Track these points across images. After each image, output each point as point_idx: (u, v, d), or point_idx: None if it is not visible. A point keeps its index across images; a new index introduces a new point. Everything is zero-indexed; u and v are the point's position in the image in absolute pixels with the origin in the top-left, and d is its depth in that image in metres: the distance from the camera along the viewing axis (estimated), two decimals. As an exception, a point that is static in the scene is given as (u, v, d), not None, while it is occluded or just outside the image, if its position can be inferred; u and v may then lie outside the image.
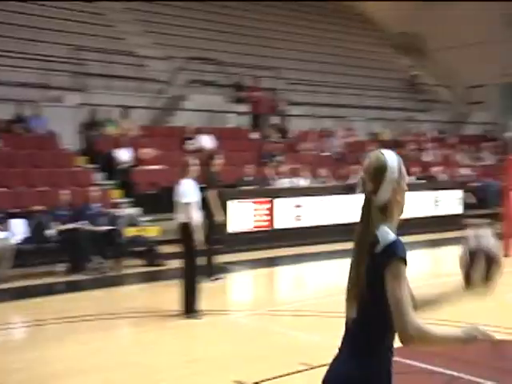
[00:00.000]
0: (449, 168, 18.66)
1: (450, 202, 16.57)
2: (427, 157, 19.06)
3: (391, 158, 2.49)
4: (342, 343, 2.50)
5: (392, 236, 2.38)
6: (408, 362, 5.74)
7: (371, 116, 20.58)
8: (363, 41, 25.60)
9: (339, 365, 2.45)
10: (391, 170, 2.46)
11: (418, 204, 15.75)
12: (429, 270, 12.32)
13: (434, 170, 17.90)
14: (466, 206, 16.85)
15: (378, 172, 2.46)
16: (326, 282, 10.55)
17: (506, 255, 11.48)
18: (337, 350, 2.51)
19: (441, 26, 25.41)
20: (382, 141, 18.46)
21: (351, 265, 2.46)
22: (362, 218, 2.51)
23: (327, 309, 8.13)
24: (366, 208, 2.51)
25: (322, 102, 20.35)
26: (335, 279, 10.64)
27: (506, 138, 21.40)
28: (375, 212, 2.47)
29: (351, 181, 15.28)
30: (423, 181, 16.88)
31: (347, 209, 14.40)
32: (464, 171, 18.98)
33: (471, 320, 7.60)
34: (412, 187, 13.64)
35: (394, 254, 2.33)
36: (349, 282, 2.46)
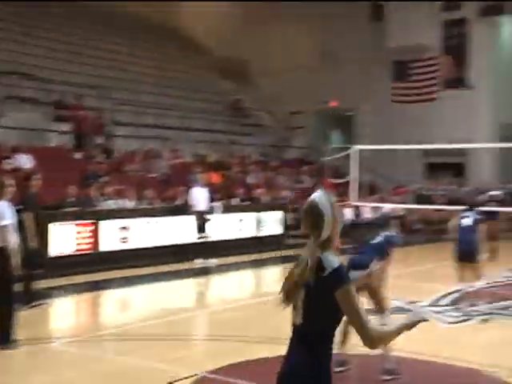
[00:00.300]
0: (271, 190, 19.41)
1: (272, 222, 17.22)
2: (251, 179, 19.68)
3: (323, 203, 2.93)
4: (292, 343, 2.95)
5: (337, 262, 2.86)
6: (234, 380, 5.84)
7: (197, 138, 20.87)
8: (189, 63, 25.97)
9: (293, 361, 2.89)
10: (327, 215, 2.91)
11: (242, 225, 16.19)
12: (251, 290, 12.65)
13: (257, 191, 18.52)
14: (287, 226, 17.59)
15: (317, 222, 2.91)
16: (153, 304, 10.44)
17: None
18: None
19: (263, 52, 26.53)
20: (207, 163, 18.77)
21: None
22: (314, 251, 2.91)
23: (153, 332, 8.05)
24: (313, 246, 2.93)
25: (148, 122, 20.29)
26: (163, 302, 10.58)
27: (322, 162, 22.74)
28: (321, 245, 2.92)
29: (178, 202, 15.33)
30: (247, 202, 17.40)
31: (174, 230, 14.40)
32: (285, 193, 19.84)
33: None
34: (236, 209, 13.89)
35: (344, 278, 2.85)
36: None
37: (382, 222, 7.27)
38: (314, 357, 2.86)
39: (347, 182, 13.49)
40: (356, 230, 16.08)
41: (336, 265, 2.84)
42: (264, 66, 26.43)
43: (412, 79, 23.90)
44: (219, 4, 27.50)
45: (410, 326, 2.97)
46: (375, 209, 17.90)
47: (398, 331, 2.94)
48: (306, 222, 2.96)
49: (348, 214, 17.63)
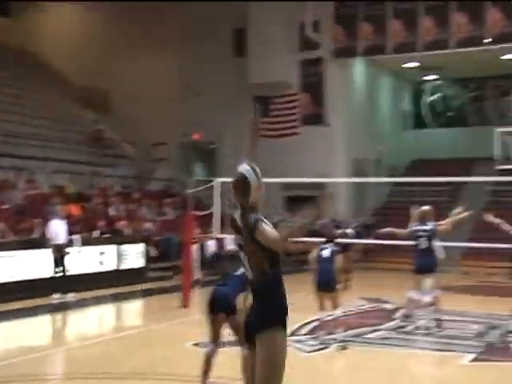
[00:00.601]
0: (133, 222, 19.08)
1: (134, 255, 16.88)
2: (112, 211, 19.24)
3: (250, 173, 3.98)
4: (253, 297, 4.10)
5: (256, 216, 3.98)
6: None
7: (55, 168, 20.11)
8: (47, 91, 25.14)
9: (257, 309, 4.04)
10: (253, 182, 3.97)
11: (103, 258, 15.73)
12: (111, 324, 12.29)
13: (119, 224, 18.13)
14: (149, 259, 17.33)
15: (245, 189, 3.96)
16: (8, 343, 9.82)
17: (184, 306, 12.05)
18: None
19: (124, 82, 26.26)
20: (66, 194, 18.13)
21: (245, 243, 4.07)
22: (243, 215, 3.98)
23: (8, 373, 7.54)
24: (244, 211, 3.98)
25: (1, 151, 19.29)
26: (18, 340, 9.98)
27: (185, 195, 22.71)
28: (248, 209, 3.96)
29: (34, 235, 14.64)
30: (108, 235, 16.96)
31: (29, 265, 13.68)
32: (147, 225, 19.58)
33: (154, 370, 7.74)
34: (96, 241, 13.41)
35: (257, 221, 3.94)
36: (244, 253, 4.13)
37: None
38: (272, 303, 4.05)
39: (210, 214, 13.59)
40: (219, 262, 16.19)
41: (256, 217, 3.99)
42: (125, 96, 26.15)
43: (273, 114, 24.65)
44: (76, 29, 27.06)
45: (306, 226, 3.82)
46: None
47: (298, 230, 3.85)
48: (237, 192, 3.98)
49: (211, 246, 17.72)
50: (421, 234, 9.92)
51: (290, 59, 24.06)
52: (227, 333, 6.68)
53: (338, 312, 9.49)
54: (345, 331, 9.62)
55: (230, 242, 18.02)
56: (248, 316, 4.11)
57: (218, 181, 13.23)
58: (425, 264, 9.81)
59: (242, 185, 3.94)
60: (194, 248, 15.51)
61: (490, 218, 9.92)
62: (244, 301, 6.52)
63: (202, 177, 23.10)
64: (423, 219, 10.01)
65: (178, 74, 25.68)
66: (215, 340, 6.54)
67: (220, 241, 17.51)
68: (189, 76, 25.35)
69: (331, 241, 9.51)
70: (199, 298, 12.40)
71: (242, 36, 24.28)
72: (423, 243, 9.87)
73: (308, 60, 24.11)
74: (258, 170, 3.96)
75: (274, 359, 3.89)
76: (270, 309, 3.99)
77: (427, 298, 9.89)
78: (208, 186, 14.19)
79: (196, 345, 8.66)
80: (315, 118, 24.07)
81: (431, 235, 9.93)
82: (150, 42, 26.11)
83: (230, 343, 7.04)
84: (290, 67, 24.06)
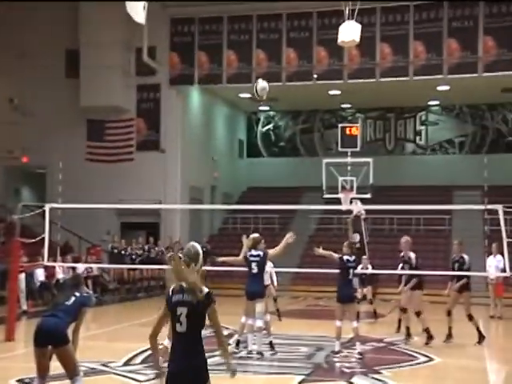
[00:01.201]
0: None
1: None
2: None
3: (198, 248, 4.74)
4: (178, 347, 4.54)
5: (206, 289, 4.54)
6: None
7: None
8: None
9: (187, 361, 4.54)
10: (200, 255, 4.71)
11: None
12: None
13: None
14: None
15: (197, 258, 4.65)
16: None
17: (8, 339, 11.29)
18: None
19: None
20: None
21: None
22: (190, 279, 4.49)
23: None
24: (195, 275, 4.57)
25: None
26: None
27: (12, 221, 21.46)
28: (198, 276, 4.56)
29: None
30: None
31: None
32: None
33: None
34: None
35: (212, 299, 4.55)
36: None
37: (75, 283, 7.06)
38: (201, 352, 4.62)
39: (40, 242, 12.92)
40: (48, 291, 15.42)
41: (207, 290, 4.52)
42: None
43: (108, 139, 24.18)
44: None
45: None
46: (69, 269, 17.42)
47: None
48: (190, 256, 4.63)
49: (40, 274, 16.84)
50: (252, 259, 10.18)
51: (125, 84, 23.78)
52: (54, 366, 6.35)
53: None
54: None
55: (60, 271, 17.30)
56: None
57: (48, 206, 12.64)
58: (255, 289, 10.06)
59: (194, 252, 4.66)
60: (21, 277, 14.68)
61: (320, 250, 10.60)
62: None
63: (30, 202, 21.95)
64: (254, 246, 10.30)
65: (6, 94, 24.34)
66: (41, 374, 6.19)
67: (49, 269, 16.72)
68: (20, 97, 24.12)
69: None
70: (26, 330, 11.71)
71: (75, 57, 23.58)
72: (255, 269, 10.12)
73: (144, 86, 24.01)
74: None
75: None
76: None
77: (259, 323, 10.13)
78: (38, 212, 13.52)
79: (19, 381, 8.13)
80: (151, 143, 23.96)
81: (262, 261, 10.21)
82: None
83: (59, 376, 6.69)
84: (125, 92, 23.77)
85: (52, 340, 6.26)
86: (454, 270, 11.92)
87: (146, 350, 10.17)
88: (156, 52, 23.49)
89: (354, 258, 10.49)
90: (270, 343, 10.35)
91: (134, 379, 8.56)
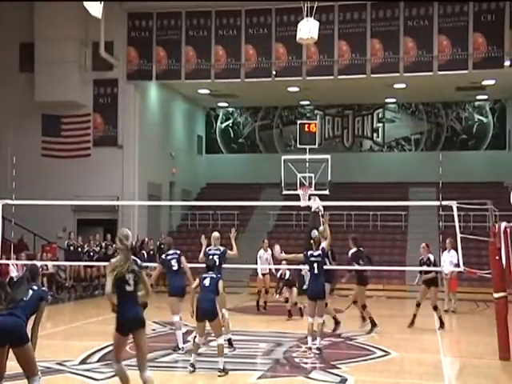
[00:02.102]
0: None
1: None
2: None
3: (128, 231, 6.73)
4: (126, 302, 6.42)
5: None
6: None
7: None
8: None
9: (136, 309, 6.52)
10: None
11: None
12: None
13: None
14: None
15: (128, 239, 6.62)
16: None
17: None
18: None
19: None
20: None
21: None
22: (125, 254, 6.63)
23: None
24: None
25: None
26: None
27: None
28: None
29: None
30: None
31: None
32: None
33: None
34: None
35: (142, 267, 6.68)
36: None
37: (32, 274, 6.90)
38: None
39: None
40: (1, 289, 15.10)
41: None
42: None
43: (64, 135, 23.81)
44: None
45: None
46: (23, 266, 17.09)
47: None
48: (124, 239, 6.54)
49: (-7, 273, 16.48)
50: (212, 255, 10.23)
51: (81, 79, 23.43)
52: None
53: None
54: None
55: (14, 269, 16.95)
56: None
57: (1, 203, 12.37)
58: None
59: (127, 234, 6.71)
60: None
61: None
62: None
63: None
64: (215, 243, 10.45)
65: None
66: (-1, 374, 6.07)
67: (3, 267, 16.39)
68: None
69: (212, 269, 9.25)
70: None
71: (30, 51, 23.11)
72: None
73: (101, 81, 23.70)
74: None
75: None
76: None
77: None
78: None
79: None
80: (108, 139, 23.67)
81: (221, 257, 10.29)
82: None
83: (17, 376, 6.57)
84: (81, 87, 23.42)
85: (11, 340, 6.12)
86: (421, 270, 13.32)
87: (102, 349, 10.06)
88: (113, 47, 23.21)
89: (319, 252, 10.44)
90: (229, 341, 10.34)
91: (91, 378, 8.46)
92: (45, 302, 6.61)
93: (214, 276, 9.09)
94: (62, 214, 22.27)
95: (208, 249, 10.45)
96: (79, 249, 20.62)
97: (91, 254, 20.65)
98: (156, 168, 25.28)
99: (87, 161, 23.46)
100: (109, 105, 23.79)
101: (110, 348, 9.84)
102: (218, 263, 10.10)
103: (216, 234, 10.61)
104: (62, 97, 22.97)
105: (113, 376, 8.52)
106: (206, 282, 8.96)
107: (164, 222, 26.51)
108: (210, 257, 10.20)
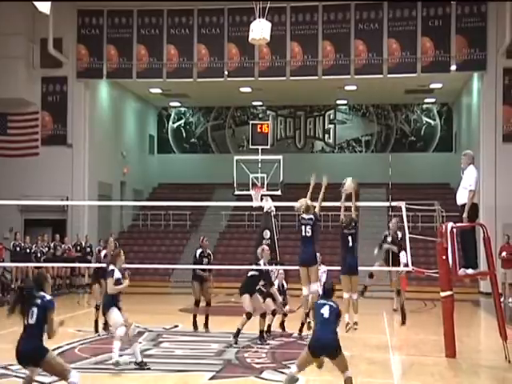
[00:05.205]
0: None
1: None
2: None
3: None
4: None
5: None
6: None
7: None
8: None
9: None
10: None
11: None
12: None
13: None
14: None
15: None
16: None
17: None
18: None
19: None
20: None
21: None
22: None
23: None
24: None
25: None
26: None
27: None
28: None
29: None
30: None
31: None
32: None
33: None
34: None
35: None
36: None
37: (36, 288, 6.86)
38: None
39: None
40: None
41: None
42: None
43: (11, 133, 23.27)
44: None
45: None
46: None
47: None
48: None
49: None
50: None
51: (29, 76, 22.95)
52: None
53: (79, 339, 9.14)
54: (87, 358, 9.29)
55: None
56: None
57: None
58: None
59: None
60: None
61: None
62: None
63: None
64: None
65: None
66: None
67: None
68: None
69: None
70: None
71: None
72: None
73: (50, 78, 23.24)
74: None
75: None
76: None
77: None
78: None
79: None
80: (57, 138, 23.23)
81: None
82: None
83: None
84: (29, 84, 22.93)
85: (31, 362, 6.65)
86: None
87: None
88: (62, 44, 22.80)
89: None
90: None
91: (37, 381, 8.26)
92: (51, 311, 6.72)
93: None
94: (9, 213, 21.77)
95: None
96: (27, 249, 20.17)
97: (39, 254, 20.23)
98: (107, 167, 24.94)
99: (36, 160, 22.98)
100: (58, 103, 23.35)
101: (60, 350, 9.68)
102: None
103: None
104: (8, 94, 22.43)
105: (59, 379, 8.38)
106: None
107: (115, 223, 26.18)
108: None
